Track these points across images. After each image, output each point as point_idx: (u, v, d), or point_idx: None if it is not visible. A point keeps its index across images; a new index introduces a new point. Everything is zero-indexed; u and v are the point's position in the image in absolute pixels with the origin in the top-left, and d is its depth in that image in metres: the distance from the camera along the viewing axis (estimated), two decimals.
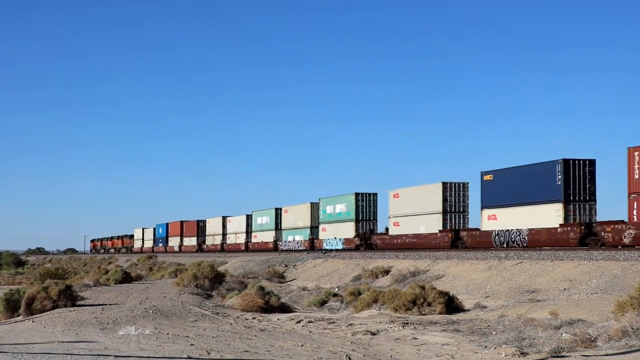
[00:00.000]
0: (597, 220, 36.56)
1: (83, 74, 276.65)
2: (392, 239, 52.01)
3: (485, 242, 42.24)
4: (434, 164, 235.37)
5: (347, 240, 57.78)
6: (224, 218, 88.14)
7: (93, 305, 22.84)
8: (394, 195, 53.17)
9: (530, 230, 38.62)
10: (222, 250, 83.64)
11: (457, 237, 45.11)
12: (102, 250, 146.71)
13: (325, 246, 60.72)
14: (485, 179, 43.40)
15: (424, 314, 21.05)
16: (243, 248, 79.65)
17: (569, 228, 36.14)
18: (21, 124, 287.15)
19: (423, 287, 22.55)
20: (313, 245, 63.39)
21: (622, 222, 33.20)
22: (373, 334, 17.19)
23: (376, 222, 57.94)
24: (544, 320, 16.68)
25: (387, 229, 53.93)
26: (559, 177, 37.44)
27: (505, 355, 13.22)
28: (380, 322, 19.18)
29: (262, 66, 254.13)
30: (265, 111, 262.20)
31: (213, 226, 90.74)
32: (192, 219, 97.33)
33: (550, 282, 25.39)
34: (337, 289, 31.90)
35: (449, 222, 47.20)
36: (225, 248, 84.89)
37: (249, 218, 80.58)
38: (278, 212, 72.85)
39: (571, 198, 37.14)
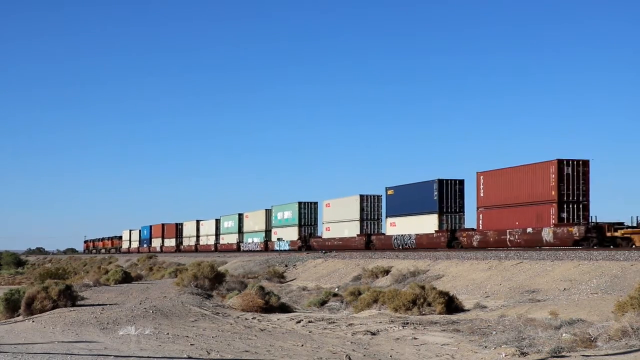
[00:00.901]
0: (463, 227, 46.56)
1: (82, 73, 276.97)
2: (325, 241, 61.91)
3: (388, 244, 52.12)
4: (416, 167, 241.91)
5: (292, 242, 67.17)
6: (198, 222, 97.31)
7: (93, 305, 22.83)
8: (326, 205, 63.97)
9: (416, 235, 48.85)
10: (195, 251, 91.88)
11: (369, 240, 55.47)
12: (94, 251, 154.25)
13: (275, 247, 69.79)
14: (388, 193, 53.82)
15: (424, 314, 21.05)
16: (213, 249, 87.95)
17: (440, 233, 46.48)
18: (21, 124, 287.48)
19: (423, 287, 22.54)
20: (267, 247, 72.55)
21: (473, 229, 43.69)
22: (373, 334, 17.18)
23: (316, 226, 67.80)
24: (544, 320, 16.68)
25: (322, 233, 64.69)
26: (435, 193, 47.56)
27: (505, 355, 13.21)
28: (380, 322, 19.18)
29: (244, 71, 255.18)
30: (238, 119, 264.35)
31: (189, 229, 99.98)
32: (178, 221, 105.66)
33: (550, 282, 25.38)
34: (337, 289, 31.90)
35: (365, 227, 57.89)
36: (198, 249, 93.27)
37: (217, 222, 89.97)
38: (241, 217, 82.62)
39: (444, 210, 47.39)
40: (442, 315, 20.74)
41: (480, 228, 42.60)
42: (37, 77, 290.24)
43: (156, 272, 47.44)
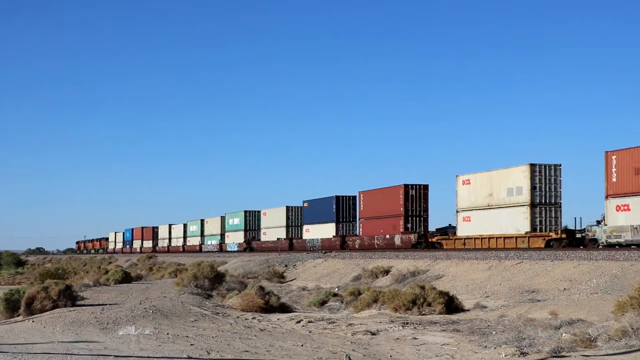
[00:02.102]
0: (350, 234, 60.82)
1: (81, 73, 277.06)
2: (262, 243, 75.02)
3: (304, 246, 65.64)
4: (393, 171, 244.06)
5: (239, 244, 79.56)
6: (170, 226, 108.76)
7: (93, 305, 22.83)
8: (264, 213, 77.51)
9: (321, 239, 62.89)
10: (168, 252, 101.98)
11: (291, 243, 68.86)
12: (84, 251, 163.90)
13: (227, 249, 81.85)
14: (304, 205, 68.19)
15: (424, 314, 21.04)
16: (181, 250, 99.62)
17: (336, 238, 60.82)
18: (21, 124, 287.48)
19: (423, 287, 22.53)
20: (221, 248, 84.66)
21: (356, 235, 58.79)
22: (373, 334, 17.18)
23: (259, 231, 78.68)
24: (544, 320, 16.67)
25: (261, 237, 77.68)
26: (334, 207, 61.85)
27: (505, 355, 13.21)
28: (380, 322, 19.18)
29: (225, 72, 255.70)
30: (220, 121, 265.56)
31: (163, 232, 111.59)
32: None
33: (550, 282, 25.39)
34: (337, 289, 31.88)
35: (289, 233, 71.08)
36: (170, 250, 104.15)
37: (185, 226, 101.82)
38: (202, 222, 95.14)
39: (340, 220, 61.96)
40: (442, 315, 20.73)
41: (360, 234, 57.49)
42: (37, 77, 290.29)
43: (156, 272, 47.46)
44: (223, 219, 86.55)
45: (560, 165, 40.93)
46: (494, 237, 42.61)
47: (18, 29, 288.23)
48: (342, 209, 61.56)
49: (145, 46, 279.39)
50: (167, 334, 17.09)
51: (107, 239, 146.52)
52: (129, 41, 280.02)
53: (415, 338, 16.36)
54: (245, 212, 79.75)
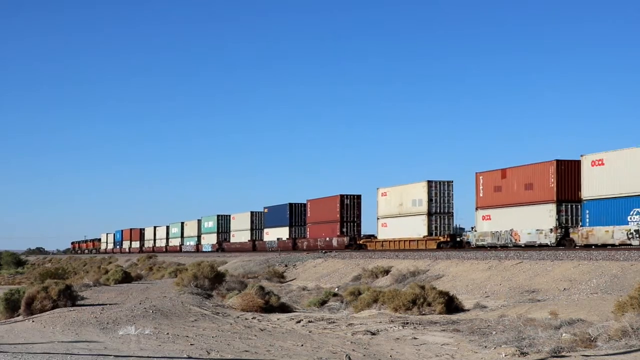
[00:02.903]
0: (301, 236, 69.21)
1: (80, 73, 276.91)
2: (231, 245, 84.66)
3: (264, 247, 74.55)
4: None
5: (212, 245, 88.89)
6: (155, 227, 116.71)
7: (93, 305, 22.82)
8: (233, 217, 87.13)
9: (278, 240, 71.76)
10: (153, 251, 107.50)
11: (254, 244, 78.10)
12: (79, 251, 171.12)
13: (203, 249, 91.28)
14: (265, 211, 77.60)
15: (424, 314, 21.04)
16: (164, 250, 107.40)
17: (289, 240, 70.01)
18: (21, 124, 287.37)
19: (423, 287, 22.52)
20: (198, 248, 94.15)
21: (305, 237, 67.46)
22: (373, 333, 17.17)
23: (229, 233, 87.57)
24: (544, 320, 16.67)
25: (230, 239, 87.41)
26: (288, 213, 70.70)
27: (505, 355, 13.21)
28: (380, 322, 19.17)
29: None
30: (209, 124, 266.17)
31: (149, 233, 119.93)
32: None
33: (550, 282, 25.38)
34: (337, 289, 31.87)
35: (253, 235, 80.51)
36: (155, 250, 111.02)
37: (167, 228, 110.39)
38: (182, 225, 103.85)
39: (293, 224, 70.53)
40: (442, 315, 20.72)
41: (307, 237, 66.39)
42: (37, 77, 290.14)
43: (156, 272, 47.44)
44: (199, 222, 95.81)
45: (452, 181, 49.74)
46: (402, 240, 50.82)
47: (18, 29, 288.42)
48: (295, 215, 70.30)
49: (144, 46, 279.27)
50: (167, 333, 17.09)
51: (99, 239, 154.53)
52: (129, 41, 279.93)
53: (415, 338, 16.35)
54: (218, 216, 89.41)
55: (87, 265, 79.90)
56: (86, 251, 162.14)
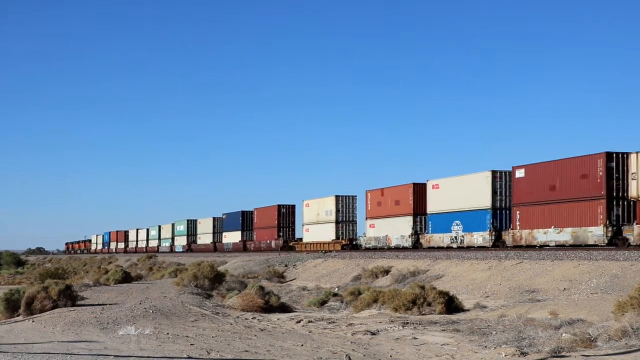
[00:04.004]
0: (250, 239, 78.82)
1: (79, 73, 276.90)
2: (198, 246, 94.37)
3: (222, 248, 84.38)
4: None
5: (183, 247, 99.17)
6: (137, 230, 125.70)
7: (93, 305, 22.82)
8: (199, 222, 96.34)
9: (232, 243, 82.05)
10: (135, 252, 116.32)
11: (215, 245, 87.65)
12: (72, 251, 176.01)
13: (175, 250, 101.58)
14: (223, 217, 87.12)
15: (424, 314, 21.03)
16: (144, 250, 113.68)
17: (240, 242, 79.75)
18: (21, 124, 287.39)
19: (423, 287, 22.52)
20: (172, 249, 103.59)
21: (252, 240, 77.95)
22: (373, 333, 17.17)
23: (196, 236, 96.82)
24: (544, 320, 16.66)
25: (198, 241, 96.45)
26: (240, 219, 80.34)
27: (505, 355, 13.20)
28: (380, 322, 19.17)
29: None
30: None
31: (132, 235, 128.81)
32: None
33: (550, 282, 25.37)
34: (337, 289, 31.87)
35: (215, 238, 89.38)
36: (137, 250, 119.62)
37: (148, 230, 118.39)
38: (159, 228, 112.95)
39: (244, 228, 79.95)
40: (442, 315, 20.71)
41: (255, 239, 76.31)
42: (37, 77, 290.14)
43: (156, 272, 47.41)
44: (173, 225, 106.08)
45: (355, 196, 61.14)
46: (319, 243, 61.44)
47: (19, 29, 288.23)
48: (246, 221, 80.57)
49: (144, 46, 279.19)
50: (167, 333, 17.09)
51: (90, 240, 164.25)
52: (128, 41, 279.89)
53: (415, 338, 16.35)
54: (188, 220, 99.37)
55: (87, 265, 79.92)
56: (78, 251, 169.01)
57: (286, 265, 48.03)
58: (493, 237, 40.66)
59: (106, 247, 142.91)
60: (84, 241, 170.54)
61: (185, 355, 13.72)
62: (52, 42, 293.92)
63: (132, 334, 16.83)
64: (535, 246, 36.44)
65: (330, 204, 61.45)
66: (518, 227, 38.25)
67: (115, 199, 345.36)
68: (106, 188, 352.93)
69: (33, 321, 19.39)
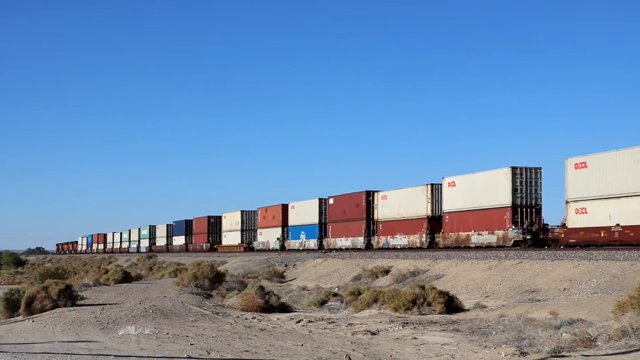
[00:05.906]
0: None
1: (78, 73, 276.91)
2: (157, 247, 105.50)
3: (173, 250, 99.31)
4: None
5: (146, 247, 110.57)
6: (113, 233, 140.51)
7: (93, 305, 22.82)
8: (157, 227, 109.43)
9: (179, 245, 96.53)
10: (119, 252, 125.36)
11: (167, 247, 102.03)
12: (62, 252, 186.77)
13: (140, 250, 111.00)
14: (173, 224, 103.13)
15: (423, 314, 21.03)
16: (126, 251, 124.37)
17: (185, 245, 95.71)
18: (21, 124, 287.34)
19: (423, 287, 22.52)
20: (138, 250, 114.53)
21: (192, 243, 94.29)
22: (373, 333, 17.17)
23: (156, 239, 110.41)
24: (544, 320, 16.66)
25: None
26: (184, 227, 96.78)
27: (505, 355, 13.20)
28: (380, 322, 19.17)
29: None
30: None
31: (109, 237, 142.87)
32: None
33: (550, 282, 25.37)
34: (337, 289, 31.87)
35: (168, 241, 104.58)
36: (121, 251, 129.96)
37: (121, 234, 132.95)
38: (130, 231, 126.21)
39: (187, 234, 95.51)
40: (442, 315, 20.71)
41: (193, 242, 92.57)
42: (37, 78, 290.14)
43: (156, 272, 47.45)
44: (139, 230, 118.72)
45: (257, 210, 73.96)
46: (232, 245, 74.59)
47: (19, 29, 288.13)
48: (188, 228, 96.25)
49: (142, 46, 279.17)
50: (167, 333, 17.09)
51: (77, 242, 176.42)
52: (128, 41, 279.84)
53: (415, 338, 16.35)
54: (150, 226, 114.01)
55: (87, 265, 79.93)
56: (67, 252, 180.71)
57: (286, 265, 48.03)
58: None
59: (89, 248, 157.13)
60: (72, 242, 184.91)
61: (185, 355, 13.72)
62: (53, 43, 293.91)
63: (132, 333, 16.83)
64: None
65: (237, 216, 79.56)
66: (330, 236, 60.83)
67: (106, 201, 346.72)
68: (100, 190, 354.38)
69: (33, 321, 19.39)
